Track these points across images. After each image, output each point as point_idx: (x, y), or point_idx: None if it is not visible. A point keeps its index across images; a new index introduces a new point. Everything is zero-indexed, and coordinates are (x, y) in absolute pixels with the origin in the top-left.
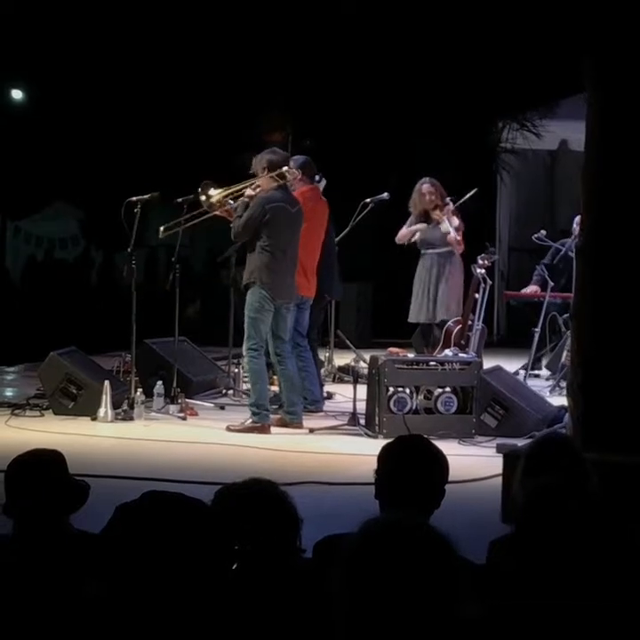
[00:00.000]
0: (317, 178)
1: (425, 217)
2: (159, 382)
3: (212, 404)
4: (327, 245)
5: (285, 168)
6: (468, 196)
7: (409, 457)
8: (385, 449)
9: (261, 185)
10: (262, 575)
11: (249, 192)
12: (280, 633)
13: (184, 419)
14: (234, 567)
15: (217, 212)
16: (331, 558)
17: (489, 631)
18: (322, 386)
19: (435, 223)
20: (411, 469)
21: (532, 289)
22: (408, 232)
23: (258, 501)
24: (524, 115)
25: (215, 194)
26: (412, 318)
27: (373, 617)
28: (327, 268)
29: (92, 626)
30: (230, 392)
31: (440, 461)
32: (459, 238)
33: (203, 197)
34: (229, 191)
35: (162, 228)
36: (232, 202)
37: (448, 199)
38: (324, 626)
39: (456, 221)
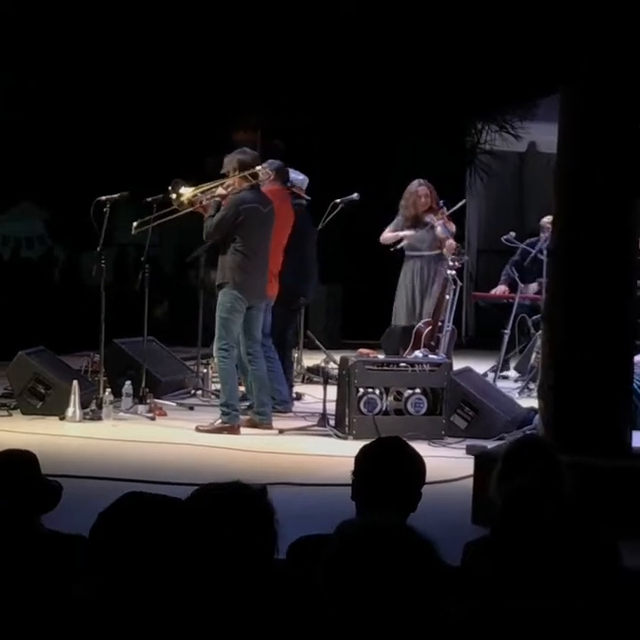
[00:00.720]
0: (301, 178)
1: (415, 220)
2: (128, 382)
3: (181, 405)
4: (305, 248)
5: (258, 168)
6: (457, 205)
7: (387, 459)
8: (363, 450)
9: (233, 185)
10: (242, 576)
11: (220, 191)
12: (257, 633)
13: (153, 419)
14: (213, 568)
15: (199, 210)
16: (305, 559)
17: (469, 633)
18: (291, 386)
19: (428, 227)
20: (389, 471)
21: (500, 289)
22: (394, 236)
23: (236, 501)
24: (504, 116)
25: (186, 192)
26: (400, 321)
27: (358, 620)
28: (304, 270)
29: (75, 626)
30: (199, 392)
31: (418, 464)
32: (452, 242)
33: (173, 196)
34: (200, 190)
35: (134, 224)
36: (202, 196)
37: (442, 203)
38: (301, 626)
39: (452, 227)
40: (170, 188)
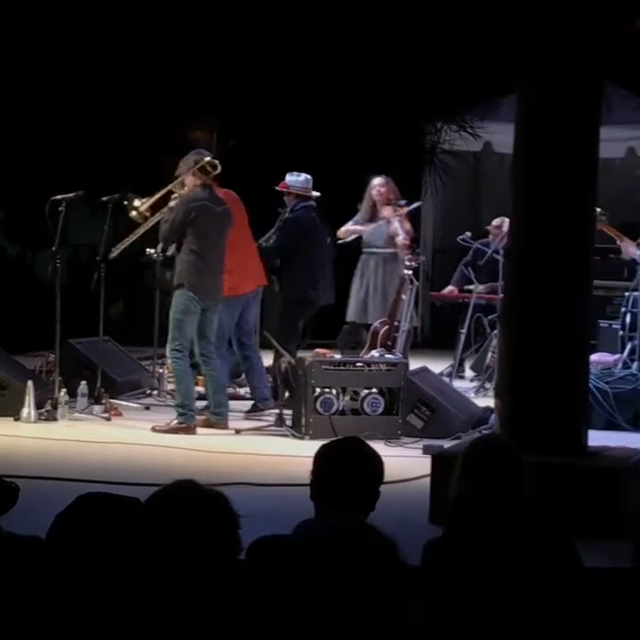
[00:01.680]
0: (301, 179)
1: (372, 213)
2: (83, 382)
3: (137, 405)
4: (314, 252)
5: (206, 160)
6: (413, 206)
7: (346, 459)
8: (321, 450)
9: (186, 184)
10: (203, 576)
11: (175, 196)
12: (219, 632)
13: (108, 419)
14: (172, 568)
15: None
16: (265, 559)
17: (430, 633)
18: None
19: (384, 222)
20: (348, 471)
21: (449, 289)
22: (351, 230)
23: (197, 502)
24: (464, 116)
25: (141, 204)
26: (352, 317)
27: (320, 621)
28: (312, 275)
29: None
30: (155, 392)
31: (376, 463)
32: (407, 242)
33: (133, 213)
34: (155, 198)
35: (114, 250)
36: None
37: (402, 202)
38: (262, 626)
39: (407, 225)
40: (125, 203)
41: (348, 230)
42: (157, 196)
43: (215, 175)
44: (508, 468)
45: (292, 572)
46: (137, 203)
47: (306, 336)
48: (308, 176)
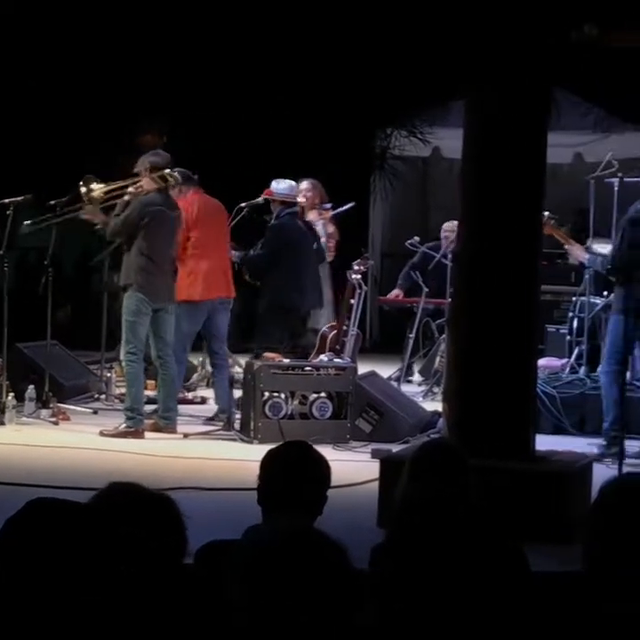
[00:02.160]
0: (284, 186)
1: (300, 215)
2: (31, 386)
3: (85, 409)
4: (298, 259)
5: (167, 171)
6: (345, 208)
7: (293, 463)
8: (269, 455)
9: (143, 186)
10: (150, 580)
11: (131, 190)
12: (165, 637)
13: (56, 423)
14: (120, 572)
15: (85, 216)
16: (213, 564)
17: (379, 636)
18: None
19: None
20: (295, 475)
21: (394, 293)
22: None
23: (141, 505)
24: (414, 121)
25: (97, 188)
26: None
27: (269, 626)
28: (297, 282)
29: None
30: (103, 396)
31: (323, 468)
32: (330, 245)
33: (84, 189)
34: (111, 187)
35: (26, 223)
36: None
37: (328, 205)
38: (209, 632)
39: (331, 228)
40: (81, 182)
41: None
42: (114, 185)
43: (197, 181)
44: (456, 473)
45: (241, 578)
46: (94, 185)
47: (292, 339)
48: (293, 183)
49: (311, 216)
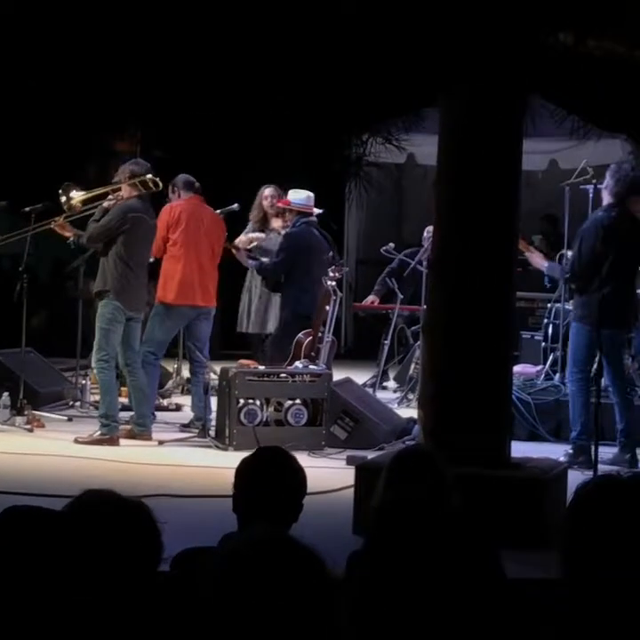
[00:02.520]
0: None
1: (263, 223)
2: (5, 394)
3: (60, 416)
4: (311, 266)
5: (149, 176)
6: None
7: (268, 470)
8: (244, 462)
9: (123, 193)
10: (124, 587)
11: (110, 197)
12: None
13: (31, 430)
14: (94, 580)
15: (56, 228)
16: (189, 571)
17: None
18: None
19: (275, 233)
20: (270, 483)
21: (370, 299)
22: (247, 239)
23: (114, 510)
24: (389, 128)
25: (78, 195)
26: (241, 328)
27: (245, 635)
28: (308, 289)
29: None
30: (78, 404)
31: (299, 474)
32: None
33: (64, 198)
34: (91, 194)
35: None
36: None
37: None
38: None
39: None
40: (60, 190)
41: (248, 237)
42: (94, 192)
43: (199, 190)
44: (433, 480)
45: (215, 586)
46: (74, 193)
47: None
48: (310, 193)
49: (275, 224)
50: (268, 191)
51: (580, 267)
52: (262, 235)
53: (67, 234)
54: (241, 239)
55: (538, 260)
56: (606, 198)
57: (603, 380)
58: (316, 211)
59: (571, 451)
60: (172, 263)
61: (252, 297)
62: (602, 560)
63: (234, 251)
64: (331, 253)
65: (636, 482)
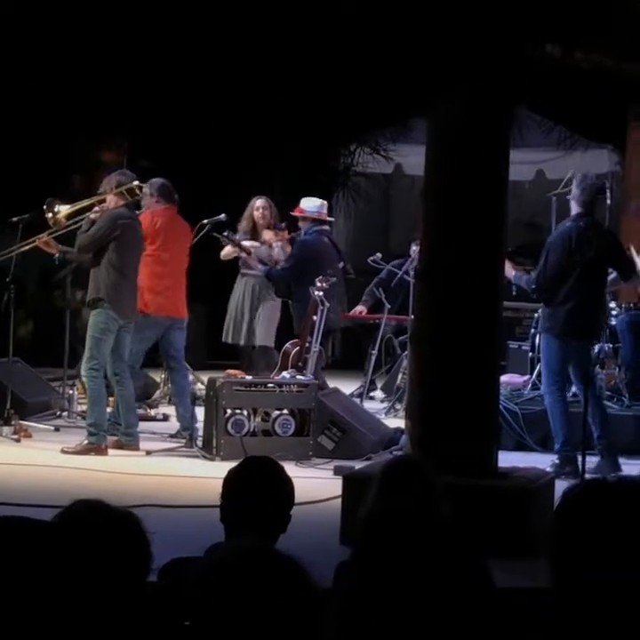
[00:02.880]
0: (318, 204)
1: (252, 234)
2: None
3: (47, 426)
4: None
5: (136, 183)
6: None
7: (256, 480)
8: (231, 472)
9: (109, 203)
10: (113, 598)
11: (96, 209)
12: None
13: (18, 440)
14: (82, 590)
15: (41, 245)
16: (177, 582)
17: None
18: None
19: (266, 245)
20: (257, 493)
21: (358, 310)
22: (234, 249)
23: (104, 520)
24: (377, 138)
25: (62, 209)
26: (227, 339)
27: None
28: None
29: None
30: (65, 414)
31: (287, 485)
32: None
33: (49, 214)
34: (77, 208)
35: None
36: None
37: (283, 225)
38: None
39: (288, 249)
40: (45, 207)
41: (233, 250)
42: (79, 206)
43: (177, 201)
44: (422, 489)
45: (200, 597)
46: (57, 208)
47: (327, 359)
48: (323, 201)
49: (267, 236)
50: (259, 202)
51: (546, 279)
52: (257, 243)
53: (51, 251)
54: (228, 250)
55: (506, 269)
56: (574, 208)
57: (572, 388)
58: (330, 218)
59: (557, 461)
60: (151, 274)
61: (243, 308)
62: (589, 563)
63: (244, 254)
64: (341, 263)
65: (622, 486)
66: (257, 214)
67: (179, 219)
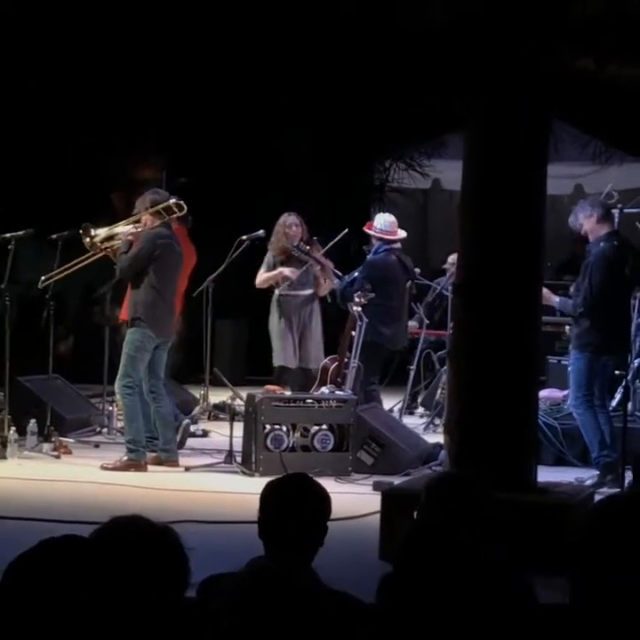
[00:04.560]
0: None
1: (286, 254)
2: (32, 420)
3: (87, 442)
4: (391, 294)
5: (172, 201)
6: (338, 237)
7: (293, 496)
8: (268, 488)
9: (146, 222)
10: (152, 613)
11: (133, 230)
12: None
13: (58, 457)
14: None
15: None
16: (216, 597)
17: None
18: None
19: (304, 268)
20: (295, 509)
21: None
22: (271, 277)
23: (144, 538)
24: (412, 154)
25: (100, 233)
26: (290, 364)
27: None
28: (389, 317)
29: None
30: (104, 430)
31: (324, 500)
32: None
33: (86, 239)
34: (113, 231)
35: (43, 278)
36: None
37: (315, 239)
38: None
39: (330, 263)
40: (80, 231)
41: (272, 276)
42: (116, 229)
43: (189, 223)
44: (470, 505)
45: (236, 612)
46: (93, 232)
47: (386, 377)
48: (393, 219)
49: (299, 254)
50: (291, 219)
51: (593, 299)
52: (289, 271)
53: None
54: (264, 277)
55: (547, 296)
56: (602, 228)
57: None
58: (401, 234)
59: (597, 472)
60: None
61: (295, 330)
62: (606, 574)
63: (319, 267)
64: (409, 283)
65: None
66: (291, 232)
67: (186, 241)
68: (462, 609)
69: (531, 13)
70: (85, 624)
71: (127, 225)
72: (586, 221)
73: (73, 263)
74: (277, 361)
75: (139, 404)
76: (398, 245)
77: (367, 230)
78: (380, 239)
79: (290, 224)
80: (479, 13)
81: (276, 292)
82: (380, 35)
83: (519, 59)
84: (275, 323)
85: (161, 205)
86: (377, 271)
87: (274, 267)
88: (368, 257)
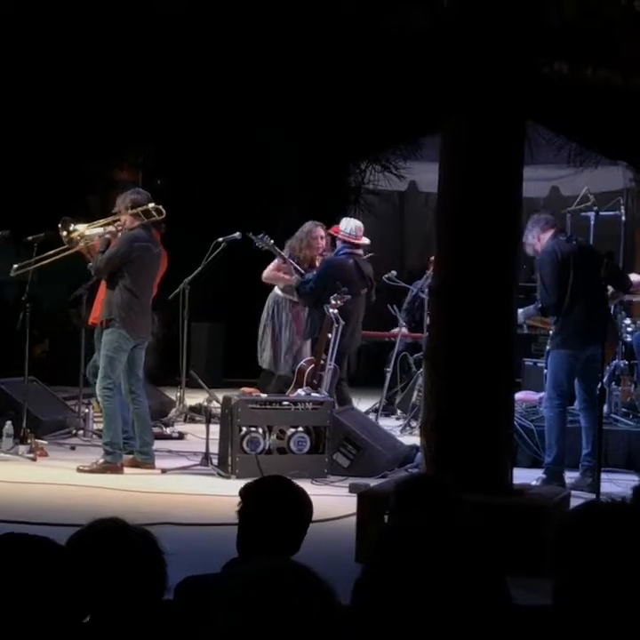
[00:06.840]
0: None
1: (312, 262)
2: (8, 422)
3: (63, 444)
4: (354, 298)
5: (151, 205)
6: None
7: (271, 498)
8: (246, 490)
9: (125, 223)
10: (129, 616)
11: (111, 229)
12: None
13: (34, 459)
14: (98, 610)
15: (77, 248)
16: (194, 599)
17: None
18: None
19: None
20: (273, 510)
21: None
22: (283, 279)
23: (121, 541)
24: (387, 156)
25: (78, 229)
26: (279, 370)
27: None
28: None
29: None
30: (80, 432)
31: (303, 502)
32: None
33: (64, 233)
34: (94, 227)
35: (15, 266)
36: (97, 232)
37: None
38: None
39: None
40: (59, 225)
41: (286, 278)
42: (96, 225)
43: (163, 229)
44: (443, 506)
45: (220, 613)
46: (72, 227)
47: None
48: (359, 224)
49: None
50: (321, 230)
51: (551, 293)
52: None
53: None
54: (274, 276)
55: None
56: (547, 235)
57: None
58: (364, 241)
59: (543, 476)
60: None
61: (280, 333)
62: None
63: (280, 260)
64: (365, 290)
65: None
66: (318, 243)
67: (159, 245)
68: (436, 610)
69: (507, 18)
70: (56, 626)
71: (106, 223)
72: (535, 240)
73: (47, 255)
74: (265, 365)
75: (118, 407)
76: (360, 251)
77: (333, 233)
78: (344, 242)
79: (316, 236)
80: (456, 19)
81: (278, 292)
82: (357, 37)
83: (495, 62)
84: (268, 325)
85: (140, 208)
86: (330, 269)
87: (293, 270)
88: (326, 256)
